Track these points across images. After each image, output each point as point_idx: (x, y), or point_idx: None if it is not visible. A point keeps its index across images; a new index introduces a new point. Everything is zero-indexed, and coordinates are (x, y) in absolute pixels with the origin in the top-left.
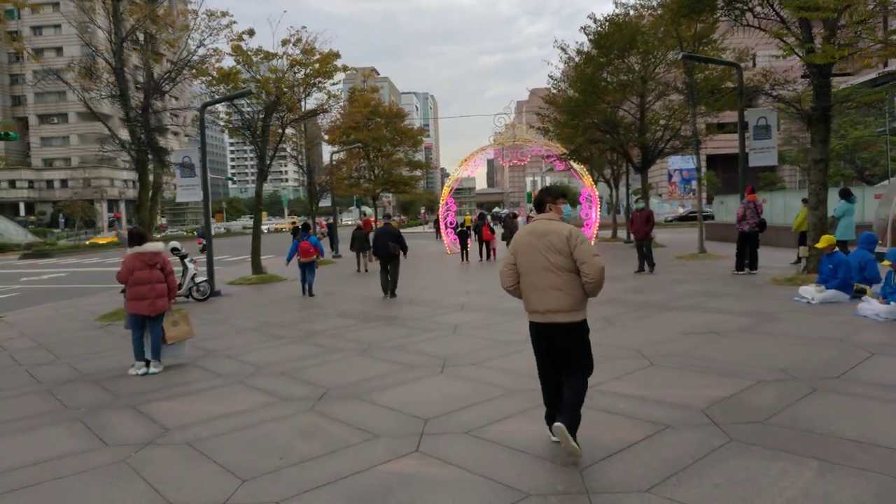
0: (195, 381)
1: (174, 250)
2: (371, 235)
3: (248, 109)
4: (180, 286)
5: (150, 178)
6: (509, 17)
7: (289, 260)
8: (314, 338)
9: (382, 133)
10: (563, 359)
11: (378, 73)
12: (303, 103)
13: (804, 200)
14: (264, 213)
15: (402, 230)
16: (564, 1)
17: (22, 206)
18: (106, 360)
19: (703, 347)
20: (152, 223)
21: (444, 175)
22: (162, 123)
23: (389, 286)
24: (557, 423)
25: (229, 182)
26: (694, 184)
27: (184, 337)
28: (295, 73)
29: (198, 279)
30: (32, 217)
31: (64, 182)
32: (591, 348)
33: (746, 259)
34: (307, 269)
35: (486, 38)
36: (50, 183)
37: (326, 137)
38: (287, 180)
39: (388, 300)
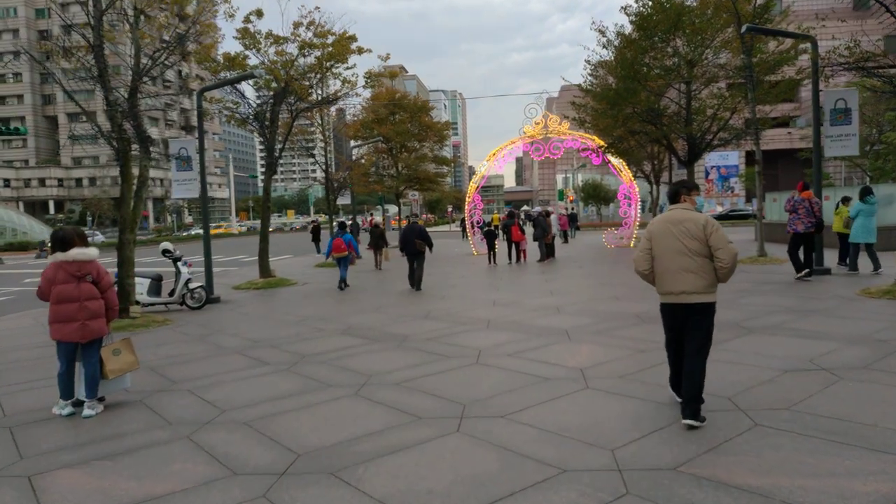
0: (131, 434)
1: (165, 252)
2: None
3: (254, 95)
4: (172, 292)
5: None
6: (540, 14)
7: (327, 255)
8: (304, 365)
9: (406, 127)
10: (693, 334)
11: (406, 71)
12: (318, 91)
13: (844, 199)
14: (290, 212)
15: (426, 229)
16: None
17: (52, 204)
18: (46, 392)
19: (819, 396)
20: (135, 222)
21: (473, 173)
22: (189, 122)
23: (415, 280)
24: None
25: (258, 180)
26: (733, 181)
27: (128, 368)
28: (305, 55)
29: (192, 285)
30: (61, 215)
31: (92, 180)
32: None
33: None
34: (341, 265)
35: (516, 36)
36: (79, 181)
37: (348, 131)
38: (316, 179)
39: (410, 296)
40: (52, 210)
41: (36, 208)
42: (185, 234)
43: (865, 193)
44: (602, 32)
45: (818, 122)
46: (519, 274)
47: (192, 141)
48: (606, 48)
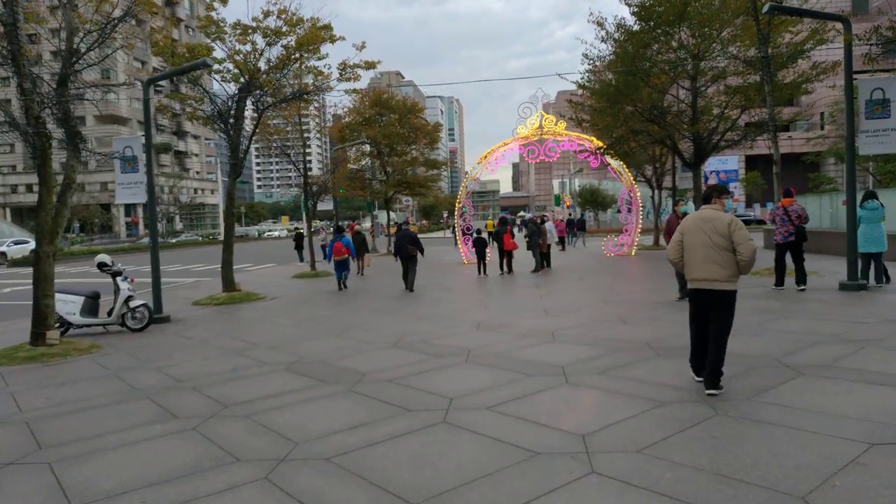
0: None
1: (102, 266)
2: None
3: (219, 90)
4: (111, 312)
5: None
6: (539, 21)
7: (328, 259)
8: (220, 421)
9: (395, 129)
10: (712, 317)
11: (403, 77)
12: (289, 84)
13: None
14: (285, 218)
15: (417, 235)
16: (596, 4)
17: None
18: None
19: None
20: (56, 231)
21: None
22: (180, 126)
23: (409, 282)
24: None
25: (255, 186)
26: (732, 186)
27: None
28: (270, 44)
29: (133, 303)
30: None
31: (81, 186)
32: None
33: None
34: (341, 267)
35: (515, 43)
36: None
37: (332, 132)
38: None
39: (384, 313)
40: None
41: (23, 215)
42: (173, 240)
43: (866, 198)
44: (601, 24)
45: (851, 116)
46: (511, 287)
47: (138, 138)
48: (605, 42)
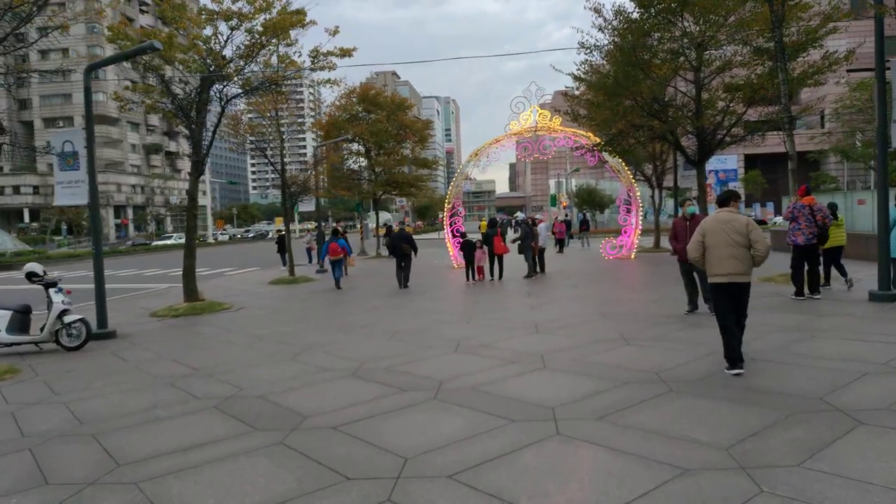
0: None
1: (32, 276)
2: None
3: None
4: (43, 328)
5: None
6: (536, 22)
7: (322, 258)
8: (100, 490)
9: (383, 127)
10: (738, 306)
11: (398, 77)
12: (256, 71)
13: (831, 206)
14: (279, 219)
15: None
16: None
17: (26, 213)
18: None
19: None
20: None
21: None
22: (171, 127)
23: (403, 279)
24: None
25: (249, 188)
26: (731, 185)
27: None
28: (233, 27)
29: (69, 318)
30: (36, 224)
31: None
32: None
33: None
34: (336, 266)
35: (513, 44)
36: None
37: (310, 126)
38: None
39: (355, 330)
40: (26, 219)
41: (10, 217)
42: (160, 242)
43: None
44: (598, 11)
45: (884, 103)
46: (499, 296)
47: (79, 132)
48: (603, 31)
